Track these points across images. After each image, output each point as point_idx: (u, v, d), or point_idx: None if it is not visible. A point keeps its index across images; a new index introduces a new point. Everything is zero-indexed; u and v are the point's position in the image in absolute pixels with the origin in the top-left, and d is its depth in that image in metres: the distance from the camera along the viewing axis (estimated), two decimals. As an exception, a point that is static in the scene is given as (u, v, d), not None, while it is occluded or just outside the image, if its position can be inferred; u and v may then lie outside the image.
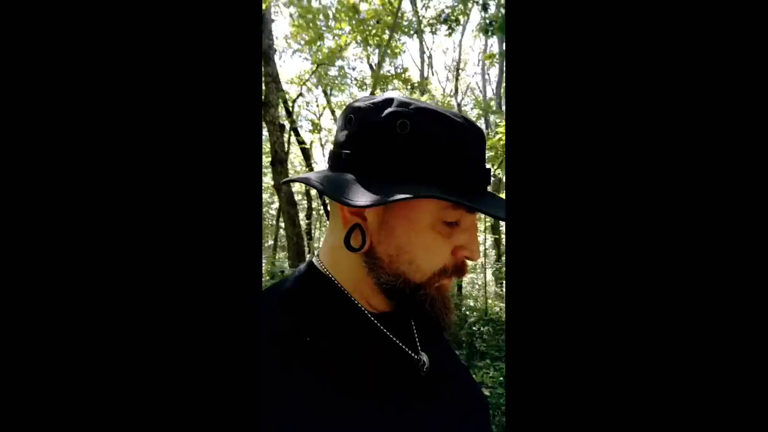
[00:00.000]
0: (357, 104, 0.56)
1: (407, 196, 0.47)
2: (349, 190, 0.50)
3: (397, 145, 0.51)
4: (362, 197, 0.48)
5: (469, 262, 0.57)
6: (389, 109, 0.52)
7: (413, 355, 0.58)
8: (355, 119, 0.54)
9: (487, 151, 0.57)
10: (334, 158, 0.56)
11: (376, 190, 0.49)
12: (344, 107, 0.59)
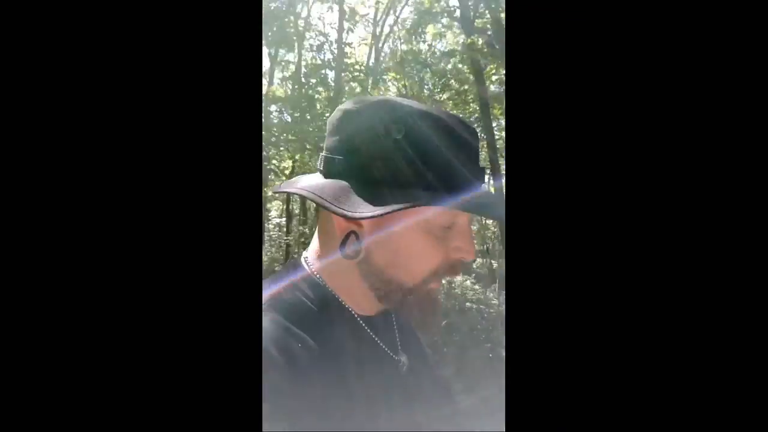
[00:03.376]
0: (348, 107, 0.56)
1: (404, 206, 0.47)
2: (346, 199, 0.50)
3: (391, 150, 0.51)
4: (360, 207, 0.48)
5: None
6: (382, 114, 0.52)
7: (393, 356, 0.60)
8: (348, 123, 0.54)
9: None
10: (327, 163, 0.55)
11: (373, 197, 0.49)
12: (334, 110, 0.59)
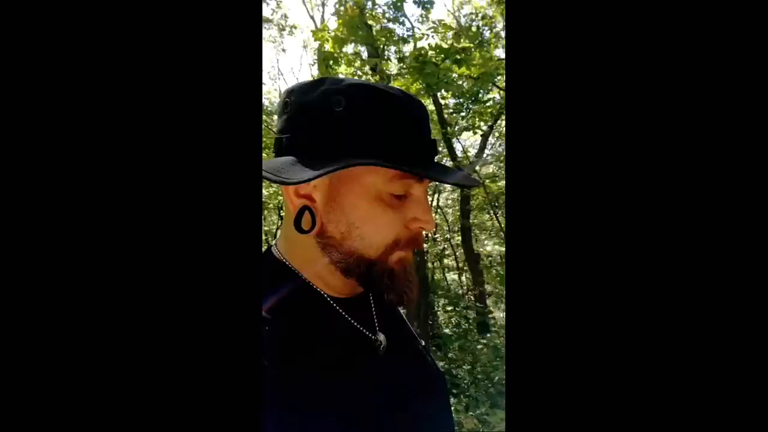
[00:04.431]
0: (293, 88, 0.56)
1: (338, 166, 0.47)
2: (287, 170, 0.50)
3: (333, 122, 0.51)
4: (299, 174, 0.48)
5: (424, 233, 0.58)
6: (323, 88, 0.53)
7: (370, 335, 0.59)
8: (291, 102, 0.55)
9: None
10: (276, 144, 0.56)
11: (315, 167, 0.49)
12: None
